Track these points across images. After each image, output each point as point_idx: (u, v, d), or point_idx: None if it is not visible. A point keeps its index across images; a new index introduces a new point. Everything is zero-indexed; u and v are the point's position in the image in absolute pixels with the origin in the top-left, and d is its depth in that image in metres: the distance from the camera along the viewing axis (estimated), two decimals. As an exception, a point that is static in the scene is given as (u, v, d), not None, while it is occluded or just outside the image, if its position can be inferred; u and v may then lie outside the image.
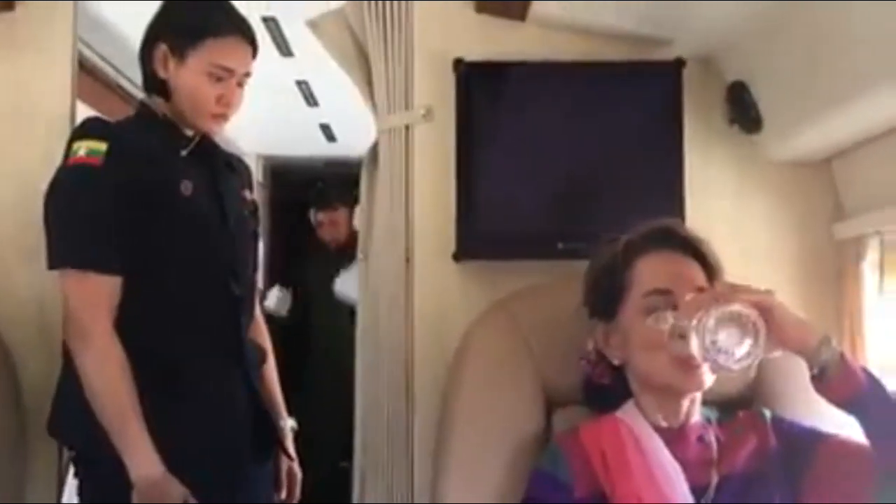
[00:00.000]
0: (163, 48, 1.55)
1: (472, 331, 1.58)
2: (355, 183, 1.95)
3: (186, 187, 1.54)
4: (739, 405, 1.42)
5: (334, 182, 3.75)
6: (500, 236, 1.73)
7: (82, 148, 1.48)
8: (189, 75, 1.54)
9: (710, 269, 1.30)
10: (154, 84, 1.58)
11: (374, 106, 1.81)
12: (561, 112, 1.74)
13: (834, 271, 1.75)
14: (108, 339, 1.46)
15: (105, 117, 1.61)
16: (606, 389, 1.34)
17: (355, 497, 1.82)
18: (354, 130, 1.96)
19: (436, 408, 1.61)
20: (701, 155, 1.77)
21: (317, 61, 2.10)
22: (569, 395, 1.46)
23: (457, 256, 1.73)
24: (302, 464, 1.79)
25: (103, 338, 1.45)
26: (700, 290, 1.26)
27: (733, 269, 1.56)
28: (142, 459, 1.43)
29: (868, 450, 1.15)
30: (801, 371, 1.47)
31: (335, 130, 5.01)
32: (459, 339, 1.59)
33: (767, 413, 1.33)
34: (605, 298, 1.33)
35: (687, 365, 1.22)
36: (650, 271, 1.29)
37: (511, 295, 1.60)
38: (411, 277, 1.77)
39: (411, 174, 1.78)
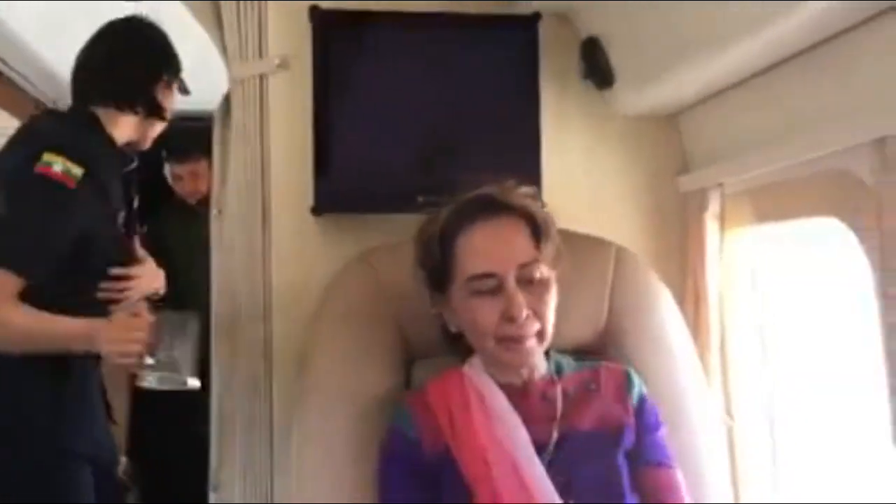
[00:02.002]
0: (164, 79, 1.83)
1: (330, 285, 1.56)
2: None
3: (120, 216, 1.74)
4: (592, 352, 1.47)
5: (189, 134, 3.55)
6: (359, 190, 1.70)
7: (58, 164, 1.59)
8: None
9: (538, 228, 1.27)
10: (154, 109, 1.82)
11: (225, 54, 1.73)
12: (419, 64, 1.72)
13: (680, 223, 1.83)
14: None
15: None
16: (459, 341, 1.35)
17: (213, 459, 1.77)
18: (210, 83, 1.86)
19: (295, 363, 1.59)
20: (556, 109, 1.80)
21: (166, 6, 1.99)
22: (429, 348, 1.47)
23: (315, 210, 1.70)
24: (158, 430, 1.73)
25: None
26: (524, 265, 1.24)
27: (586, 222, 1.62)
28: (82, 329, 1.58)
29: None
30: (649, 319, 1.56)
31: (188, 82, 4.77)
32: (318, 294, 1.57)
33: (637, 384, 1.34)
34: (433, 276, 1.32)
35: (513, 343, 1.24)
36: (471, 252, 1.26)
37: (370, 249, 1.58)
38: (268, 232, 1.72)
39: (266, 126, 1.72)
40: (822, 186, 1.39)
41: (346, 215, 1.72)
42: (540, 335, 1.25)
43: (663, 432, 1.33)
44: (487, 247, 1.26)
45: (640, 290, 1.57)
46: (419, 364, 1.50)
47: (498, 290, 1.23)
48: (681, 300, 1.69)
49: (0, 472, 1.64)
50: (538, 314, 1.24)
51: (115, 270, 1.76)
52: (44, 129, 1.76)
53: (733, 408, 1.74)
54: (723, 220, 1.69)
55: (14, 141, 1.74)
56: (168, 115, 1.86)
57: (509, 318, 1.23)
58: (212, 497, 1.78)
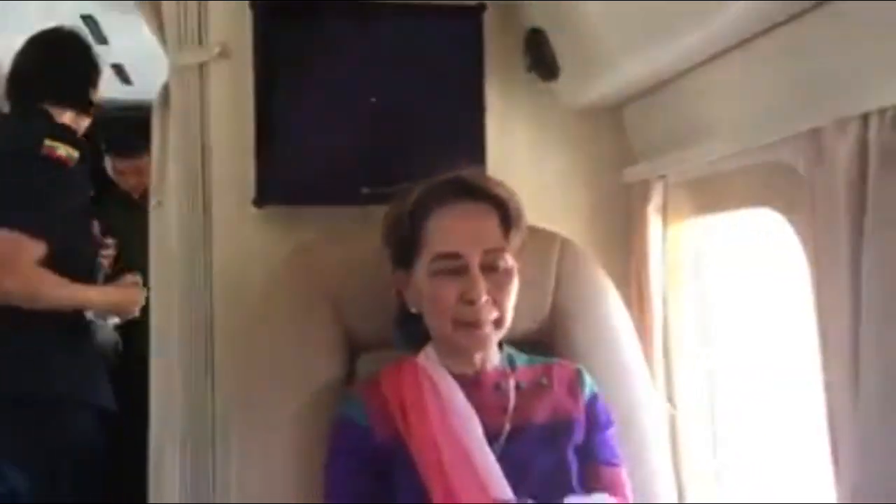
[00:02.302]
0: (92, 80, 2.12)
1: (272, 277, 1.54)
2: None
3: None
4: (536, 343, 1.47)
5: (131, 127, 3.47)
6: (302, 181, 1.68)
7: (60, 149, 1.89)
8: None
9: (508, 217, 1.29)
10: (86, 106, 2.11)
11: (164, 42, 1.69)
12: (364, 53, 1.70)
13: (625, 215, 1.84)
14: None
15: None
16: (415, 325, 1.34)
17: (152, 442, 1.74)
18: (152, 72, 1.85)
19: (236, 356, 1.56)
20: (501, 101, 1.79)
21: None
22: (373, 340, 1.46)
23: (257, 202, 1.67)
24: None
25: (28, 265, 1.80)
26: (490, 251, 1.25)
27: (530, 215, 1.61)
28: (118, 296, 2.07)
29: None
30: (593, 311, 1.56)
31: (129, 71, 4.67)
32: (260, 287, 1.55)
33: (588, 383, 1.35)
34: (399, 251, 1.32)
35: (470, 327, 1.24)
36: (440, 231, 1.27)
37: (313, 241, 1.56)
38: (209, 225, 1.69)
39: (206, 116, 1.69)
40: (759, 178, 1.41)
41: (288, 207, 1.69)
42: (497, 323, 1.25)
43: (613, 431, 1.35)
44: (457, 227, 1.26)
45: (584, 282, 1.58)
46: (363, 358, 1.48)
47: (461, 271, 1.24)
48: (625, 292, 1.70)
49: (34, 434, 1.85)
50: (497, 302, 1.24)
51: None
52: (20, 123, 2.05)
53: (676, 397, 1.76)
54: (665, 211, 1.71)
55: None
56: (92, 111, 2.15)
57: (468, 300, 1.23)
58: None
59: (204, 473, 1.64)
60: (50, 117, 2.01)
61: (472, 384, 1.29)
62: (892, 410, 1.09)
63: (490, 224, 1.27)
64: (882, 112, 1.05)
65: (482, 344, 1.27)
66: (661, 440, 1.59)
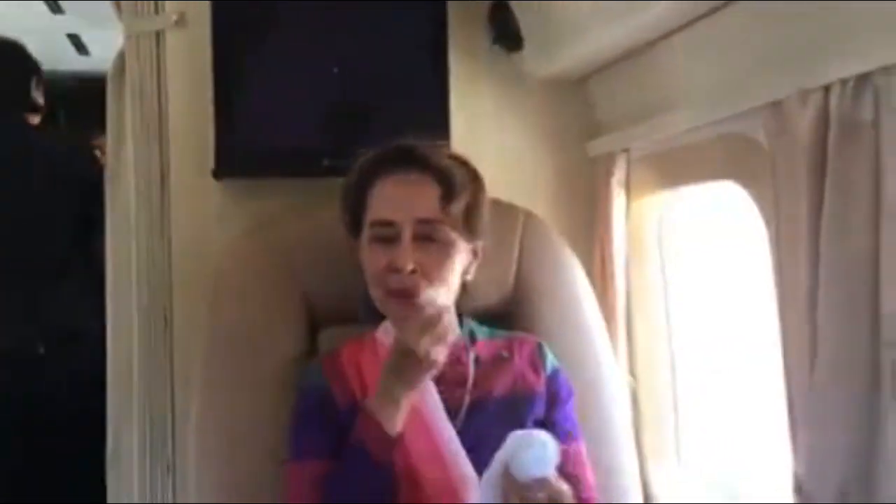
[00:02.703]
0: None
1: (232, 251, 1.52)
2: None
3: None
4: (501, 317, 1.47)
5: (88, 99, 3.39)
6: (262, 153, 1.64)
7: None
8: None
9: (451, 190, 1.26)
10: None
11: (118, 9, 1.65)
12: (326, 24, 1.66)
13: (589, 188, 1.83)
14: None
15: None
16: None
17: (110, 412, 1.71)
18: (109, 41, 1.80)
19: (196, 331, 1.54)
20: (465, 73, 1.76)
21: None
22: (336, 314, 1.45)
23: (216, 174, 1.64)
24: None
25: None
26: (423, 221, 1.23)
27: (495, 187, 1.60)
28: None
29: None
30: (556, 284, 1.56)
31: (85, 41, 4.57)
32: (220, 260, 1.52)
33: (550, 357, 1.35)
34: (350, 220, 1.32)
35: (399, 296, 1.22)
36: (379, 198, 1.27)
37: (275, 214, 1.54)
38: (167, 196, 1.66)
39: (164, 86, 1.65)
40: (722, 150, 1.41)
41: (248, 179, 1.66)
42: (429, 296, 1.21)
43: (573, 404, 1.34)
44: (393, 195, 1.26)
45: (547, 256, 1.58)
46: (326, 332, 1.47)
47: (394, 239, 1.23)
48: (588, 265, 1.70)
49: None
50: (429, 274, 1.22)
51: None
52: (50, 134, 2.45)
53: (637, 370, 1.77)
54: (629, 184, 1.70)
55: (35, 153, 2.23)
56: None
57: (394, 268, 1.22)
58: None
59: (163, 442, 1.62)
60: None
61: None
62: (850, 381, 1.11)
63: (428, 194, 1.25)
64: (843, 82, 1.05)
65: (411, 314, 1.22)
66: (624, 414, 1.60)
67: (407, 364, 1.16)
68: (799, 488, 1.19)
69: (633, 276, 1.75)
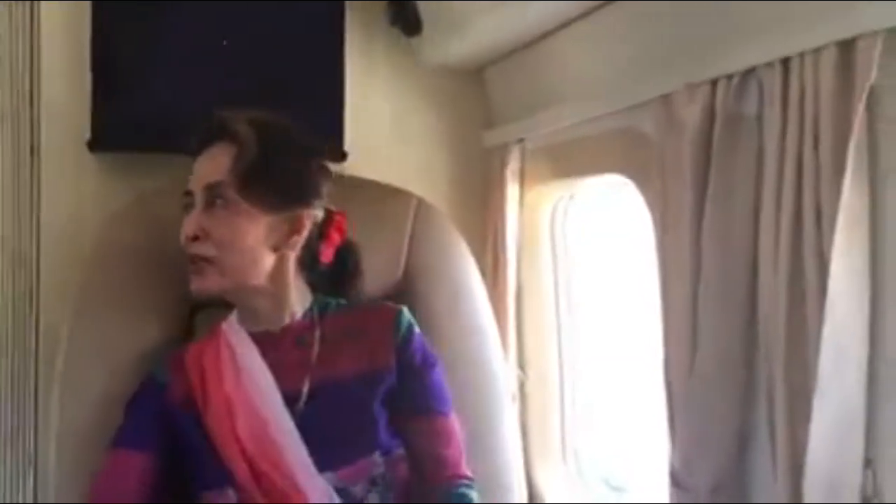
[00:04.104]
0: None
1: (107, 227, 1.44)
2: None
3: None
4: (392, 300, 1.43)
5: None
6: (142, 125, 1.56)
7: None
8: None
9: (242, 154, 1.19)
10: None
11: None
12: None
13: (484, 178, 1.81)
14: None
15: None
16: None
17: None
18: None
19: (63, 313, 1.44)
20: (362, 58, 1.73)
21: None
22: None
23: (92, 145, 1.54)
24: None
25: None
26: (209, 186, 1.18)
27: (389, 174, 1.58)
28: None
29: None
30: (446, 272, 1.54)
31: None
32: (93, 237, 1.44)
33: (405, 323, 1.28)
34: None
35: (192, 264, 1.20)
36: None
37: (151, 189, 1.46)
38: (37, 168, 1.56)
39: (37, 54, 1.55)
40: (613, 144, 1.41)
41: (126, 153, 1.58)
42: (216, 262, 1.18)
43: (437, 375, 1.28)
44: (196, 167, 1.23)
45: (438, 243, 1.55)
46: (203, 314, 1.40)
47: (192, 207, 1.21)
48: (481, 255, 1.68)
49: None
50: (215, 239, 1.18)
51: None
52: None
53: (526, 364, 1.76)
54: (523, 176, 1.69)
55: None
56: None
57: (183, 237, 1.19)
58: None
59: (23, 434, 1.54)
60: None
61: (271, 342, 1.23)
62: (727, 376, 1.12)
63: (221, 160, 1.20)
64: (729, 78, 1.06)
65: (201, 284, 1.20)
66: (511, 407, 1.59)
67: None
68: (675, 481, 1.19)
69: (525, 268, 1.74)
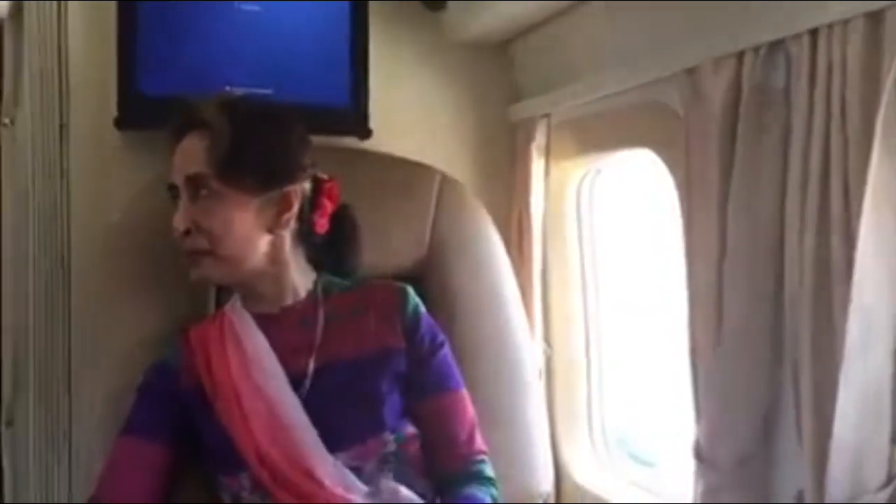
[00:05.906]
0: None
1: (133, 204, 1.45)
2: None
3: None
4: (413, 280, 1.43)
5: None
6: (168, 103, 1.55)
7: None
8: None
9: (217, 143, 1.17)
10: None
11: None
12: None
13: (509, 153, 1.80)
14: None
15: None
16: None
17: (4, 385, 1.64)
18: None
19: (95, 288, 1.47)
20: (387, 33, 1.71)
21: None
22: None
23: (119, 123, 1.55)
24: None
25: None
26: (190, 178, 1.17)
27: (414, 150, 1.58)
28: None
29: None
30: (471, 248, 1.54)
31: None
32: (120, 215, 1.45)
33: (412, 304, 1.27)
34: None
35: (188, 258, 1.20)
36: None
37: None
38: (66, 147, 1.57)
39: (64, 28, 1.55)
40: (639, 118, 1.40)
41: (153, 130, 1.57)
42: (212, 252, 1.18)
43: (445, 354, 1.27)
44: (175, 158, 1.21)
45: (463, 219, 1.55)
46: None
47: (178, 200, 1.20)
48: (507, 230, 1.68)
49: None
50: (207, 231, 1.18)
51: None
52: None
53: (552, 339, 1.76)
54: (548, 151, 1.68)
55: None
56: None
57: (174, 232, 1.19)
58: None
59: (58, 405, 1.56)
60: None
61: (274, 323, 1.23)
62: (752, 350, 1.11)
63: (196, 151, 1.18)
64: (756, 50, 1.05)
65: (200, 274, 1.20)
66: (537, 382, 1.59)
67: None
68: (700, 455, 1.20)
69: (551, 243, 1.73)
